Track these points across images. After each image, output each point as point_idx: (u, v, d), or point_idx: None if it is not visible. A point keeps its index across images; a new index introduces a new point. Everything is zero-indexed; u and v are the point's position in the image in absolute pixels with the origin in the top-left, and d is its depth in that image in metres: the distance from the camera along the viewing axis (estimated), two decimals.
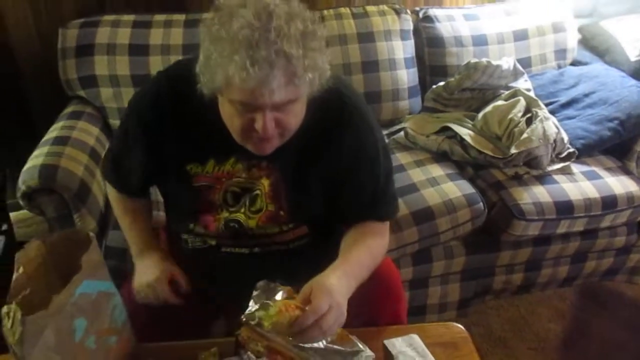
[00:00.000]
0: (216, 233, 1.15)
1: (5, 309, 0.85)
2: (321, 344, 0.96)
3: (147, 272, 1.14)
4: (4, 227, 1.67)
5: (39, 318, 0.83)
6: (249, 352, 0.96)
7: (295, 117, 0.97)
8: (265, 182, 1.10)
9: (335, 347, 0.97)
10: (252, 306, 0.98)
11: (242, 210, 1.11)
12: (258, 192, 1.10)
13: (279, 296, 0.98)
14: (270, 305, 0.92)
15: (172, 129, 1.07)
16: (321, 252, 1.10)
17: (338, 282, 0.97)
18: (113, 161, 1.21)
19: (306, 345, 0.95)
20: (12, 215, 1.90)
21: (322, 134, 1.06)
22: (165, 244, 1.29)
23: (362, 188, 1.11)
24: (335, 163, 1.08)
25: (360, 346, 0.98)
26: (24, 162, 1.57)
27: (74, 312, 0.90)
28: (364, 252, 1.08)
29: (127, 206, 1.24)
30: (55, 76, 1.95)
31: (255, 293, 1.00)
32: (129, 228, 1.22)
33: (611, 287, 2.05)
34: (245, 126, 0.95)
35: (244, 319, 0.96)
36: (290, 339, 0.95)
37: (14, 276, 0.91)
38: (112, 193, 1.26)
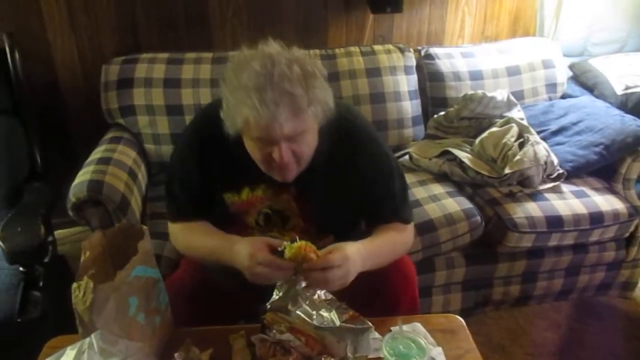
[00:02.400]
0: None
1: (75, 284, 1.03)
2: (336, 322, 1.12)
3: (243, 253, 1.16)
4: (50, 238, 1.85)
5: (106, 287, 1.02)
6: (274, 331, 1.12)
7: (308, 146, 1.15)
8: (294, 205, 1.27)
9: (348, 325, 1.12)
10: (276, 294, 1.16)
11: (275, 230, 1.27)
12: (288, 213, 1.28)
13: (301, 285, 1.16)
14: (296, 240, 1.10)
15: (213, 166, 1.25)
16: None
17: (356, 253, 1.14)
18: (176, 203, 1.33)
19: (322, 325, 1.11)
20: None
21: (341, 160, 1.22)
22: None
23: (382, 200, 1.28)
24: (355, 183, 1.25)
25: (369, 324, 1.15)
26: (66, 184, 1.75)
27: (129, 290, 1.08)
28: (385, 242, 1.25)
29: (196, 229, 1.32)
30: (95, 108, 2.18)
31: (278, 283, 1.17)
32: (208, 242, 1.27)
33: (605, 301, 2.18)
34: (266, 158, 1.14)
35: (269, 307, 1.14)
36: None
37: (82, 259, 1.10)
38: (179, 233, 1.34)
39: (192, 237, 1.31)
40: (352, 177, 1.24)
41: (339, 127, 1.20)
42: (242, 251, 1.15)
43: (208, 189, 1.28)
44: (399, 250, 1.30)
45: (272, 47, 1.09)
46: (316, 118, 1.10)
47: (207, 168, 1.25)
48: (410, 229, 1.33)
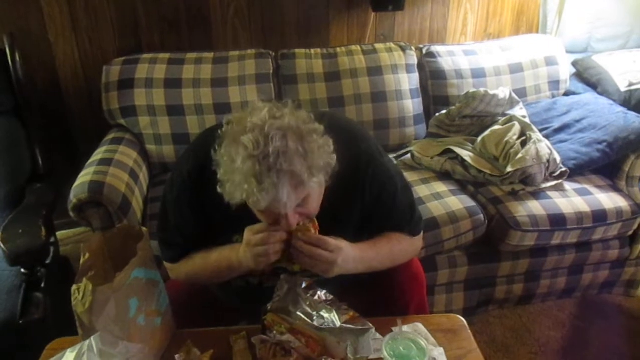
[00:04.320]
0: (260, 273, 1.26)
1: (75, 286, 1.03)
2: (336, 323, 1.12)
3: (242, 250, 1.15)
4: (52, 239, 1.85)
5: (106, 289, 1.01)
6: (274, 332, 1.12)
7: (316, 201, 1.09)
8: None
9: (348, 326, 1.11)
10: (277, 295, 1.15)
11: (284, 259, 1.19)
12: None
13: (302, 285, 1.15)
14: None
15: (212, 211, 1.18)
16: (353, 276, 1.24)
17: (350, 254, 1.14)
18: (173, 248, 1.28)
19: (323, 327, 1.10)
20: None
21: (346, 186, 1.16)
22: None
23: (387, 218, 1.26)
24: (362, 207, 1.22)
25: (370, 325, 1.14)
26: (68, 185, 1.75)
27: (129, 292, 1.08)
28: (384, 248, 1.24)
29: (194, 255, 1.27)
30: (97, 109, 2.19)
31: (278, 284, 1.17)
32: (211, 257, 1.23)
33: (609, 299, 2.17)
34: (271, 222, 1.09)
35: (270, 308, 1.14)
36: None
37: (81, 261, 1.10)
38: (180, 266, 1.29)
39: (194, 262, 1.27)
40: (357, 200, 1.22)
41: (345, 152, 1.12)
42: (246, 253, 1.14)
43: (207, 231, 1.23)
44: (399, 258, 1.28)
45: (260, 112, 1.00)
46: (320, 183, 1.04)
47: (205, 214, 1.20)
48: (416, 239, 1.31)
